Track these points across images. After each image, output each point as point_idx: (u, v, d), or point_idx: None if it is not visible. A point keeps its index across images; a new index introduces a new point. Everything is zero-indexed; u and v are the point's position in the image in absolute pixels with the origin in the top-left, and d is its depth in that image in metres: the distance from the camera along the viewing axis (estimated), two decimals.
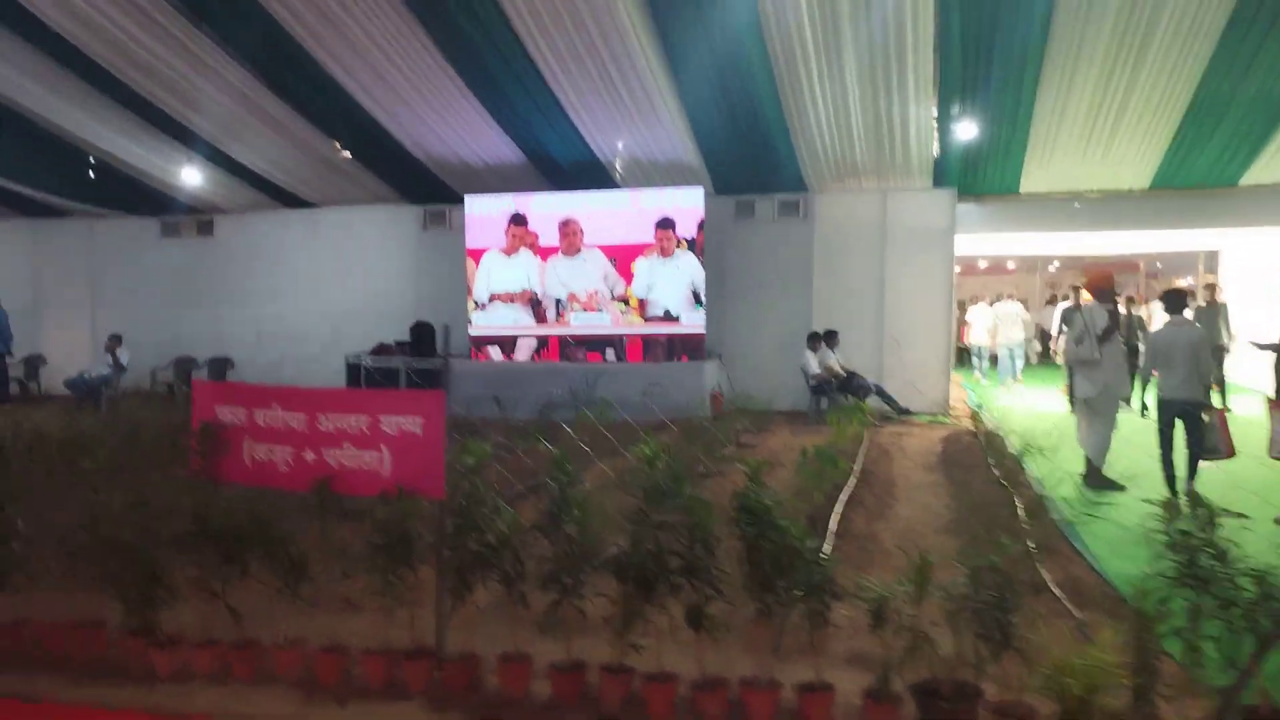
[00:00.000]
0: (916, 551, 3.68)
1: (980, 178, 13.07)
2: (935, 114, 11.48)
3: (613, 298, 13.53)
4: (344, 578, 4.48)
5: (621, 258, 13.47)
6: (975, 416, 10.40)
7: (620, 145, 12.80)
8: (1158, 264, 26.71)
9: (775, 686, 3.62)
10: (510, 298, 13.95)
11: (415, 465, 4.24)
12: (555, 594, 3.83)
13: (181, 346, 15.46)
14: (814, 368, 12.18)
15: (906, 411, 12.41)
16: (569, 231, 13.63)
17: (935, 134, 11.95)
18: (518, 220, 13.88)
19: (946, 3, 9.50)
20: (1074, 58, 10.11)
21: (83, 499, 4.74)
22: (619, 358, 13.46)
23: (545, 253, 13.77)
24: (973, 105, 11.22)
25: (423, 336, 14.05)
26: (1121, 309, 10.42)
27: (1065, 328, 11.82)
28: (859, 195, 13.54)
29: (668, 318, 13.31)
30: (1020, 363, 16.24)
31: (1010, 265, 28.52)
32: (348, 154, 13.75)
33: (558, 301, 13.75)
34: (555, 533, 3.89)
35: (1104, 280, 8.11)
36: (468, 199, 14.02)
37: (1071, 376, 8.25)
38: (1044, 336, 18.78)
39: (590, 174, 13.63)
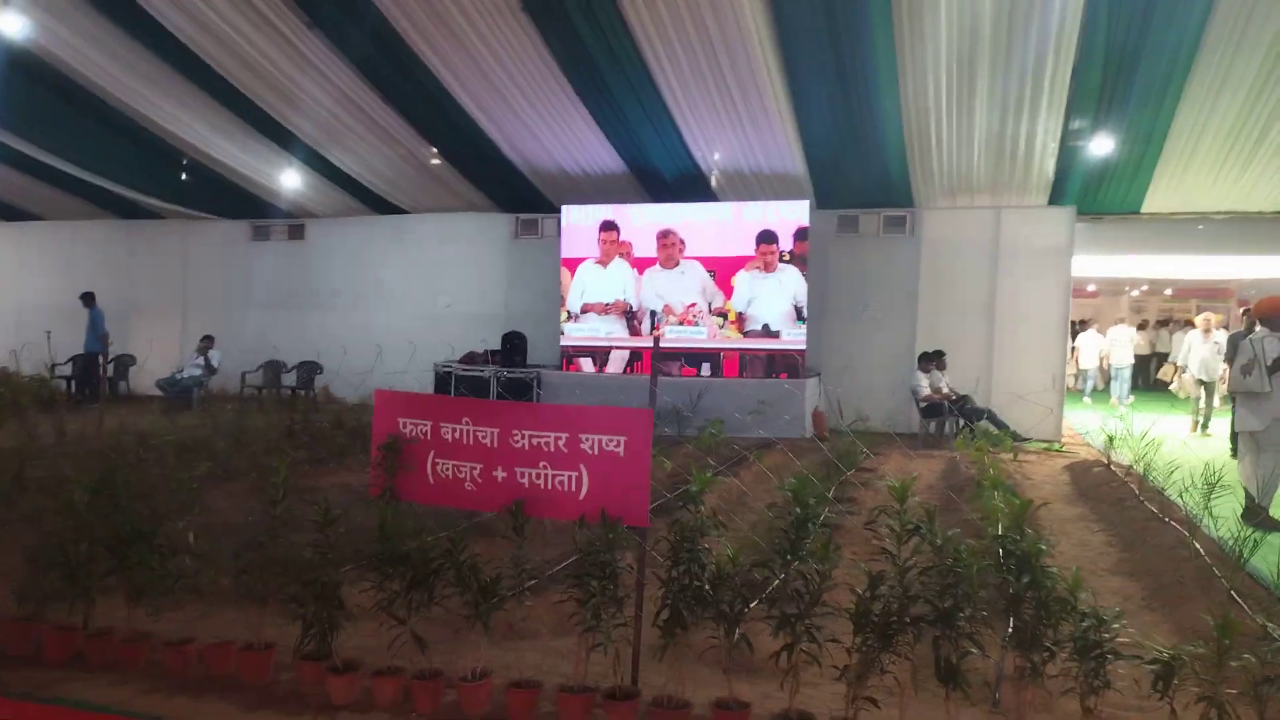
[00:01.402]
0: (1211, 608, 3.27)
1: (1100, 196, 12.55)
2: (1063, 130, 11.00)
3: (710, 312, 13.19)
4: (531, 607, 4.16)
5: (721, 271, 13.14)
6: (1108, 444, 9.84)
7: (726, 155, 12.51)
8: (1251, 291, 25.74)
9: None
10: (604, 309, 13.67)
11: (616, 489, 3.92)
12: (785, 638, 3.47)
13: (269, 350, 15.40)
14: (924, 389, 11.72)
15: (1019, 438, 11.88)
16: (668, 243, 13.32)
17: (1059, 151, 11.47)
18: (606, 226, 13.60)
19: (1094, 19, 9.06)
20: (1223, 75, 9.61)
21: (236, 510, 4.49)
22: (715, 373, 13.11)
23: (642, 264, 13.47)
24: (1106, 122, 10.75)
25: (515, 346, 13.83)
26: None
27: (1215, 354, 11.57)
28: (970, 212, 13.07)
29: (767, 333, 12.94)
30: (1128, 385, 15.91)
31: (1091, 288, 27.78)
32: (443, 160, 13.62)
33: (653, 313, 13.44)
34: (784, 569, 3.54)
35: (1276, 308, 7.58)
36: (565, 209, 13.79)
37: (1234, 408, 7.71)
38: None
39: (689, 186, 13.36)
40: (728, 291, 13.10)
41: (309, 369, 14.82)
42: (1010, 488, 6.11)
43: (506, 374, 13.54)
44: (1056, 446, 11.74)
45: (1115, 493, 8.60)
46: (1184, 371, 13.50)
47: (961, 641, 3.28)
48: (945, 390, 12.00)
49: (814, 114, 11.40)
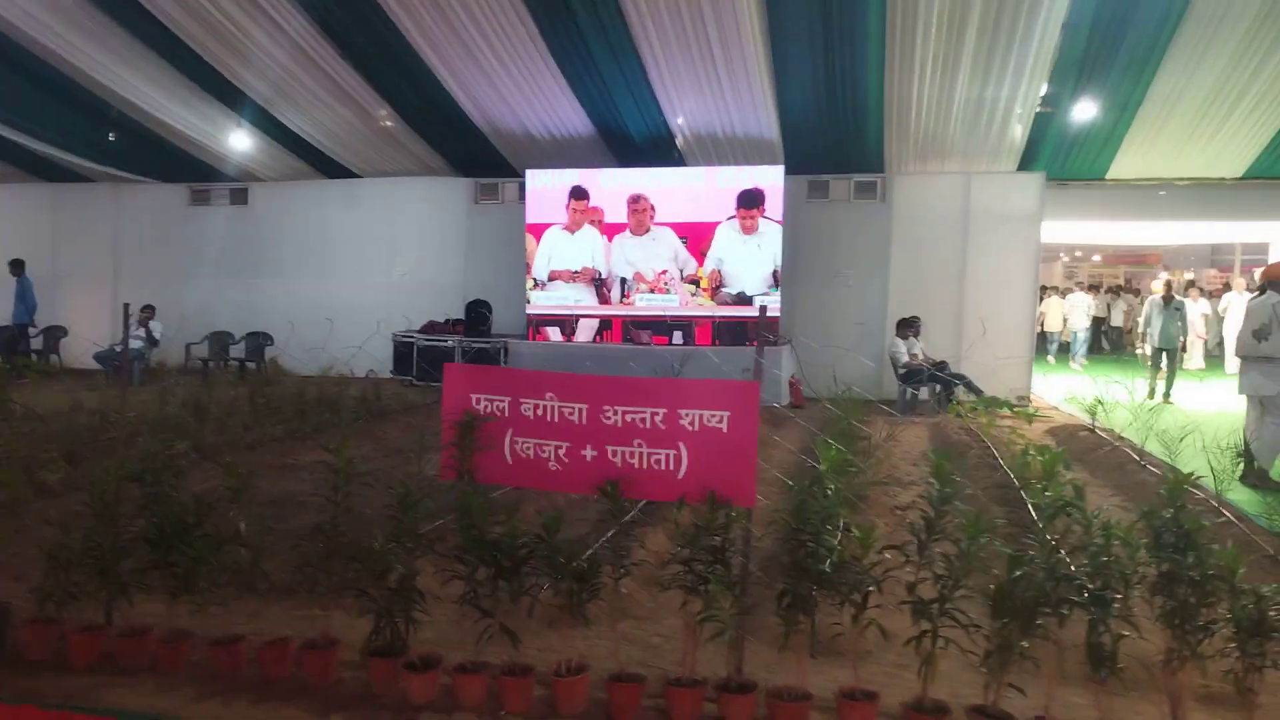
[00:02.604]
0: None
1: (1069, 163, 12.65)
2: (1042, 97, 11.00)
3: (683, 279, 12.95)
4: (627, 595, 3.88)
5: (693, 237, 12.89)
6: (1094, 409, 9.93)
7: (700, 117, 12.21)
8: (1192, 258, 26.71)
9: None
10: (572, 276, 13.32)
11: (719, 467, 3.67)
12: (923, 624, 3.27)
13: (213, 321, 14.64)
14: (904, 356, 11.69)
15: (994, 403, 11.94)
16: (639, 208, 13.01)
17: (1034, 117, 11.47)
18: (578, 194, 13.21)
19: None
20: (1207, 40, 9.68)
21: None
22: (687, 341, 12.90)
23: (611, 230, 13.14)
24: (1085, 88, 10.76)
25: (479, 315, 13.40)
26: None
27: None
28: (941, 177, 13.05)
29: (740, 300, 12.76)
30: (1084, 349, 16.57)
31: None
32: (401, 120, 13.01)
33: (623, 281, 13.14)
34: (921, 553, 3.34)
35: None
36: (529, 173, 13.34)
37: (1242, 370, 7.75)
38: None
39: (658, 150, 13.04)
40: (700, 258, 12.86)
41: (258, 340, 14.14)
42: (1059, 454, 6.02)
43: (472, 344, 13.11)
44: (1031, 411, 11.84)
45: (1112, 458, 8.66)
46: (1143, 341, 13.71)
47: (1116, 623, 3.13)
48: (921, 356, 12.00)
49: (794, 76, 11.16)
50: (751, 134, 12.48)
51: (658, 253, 13.02)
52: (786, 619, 3.44)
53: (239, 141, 13.54)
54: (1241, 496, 7.20)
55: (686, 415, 3.70)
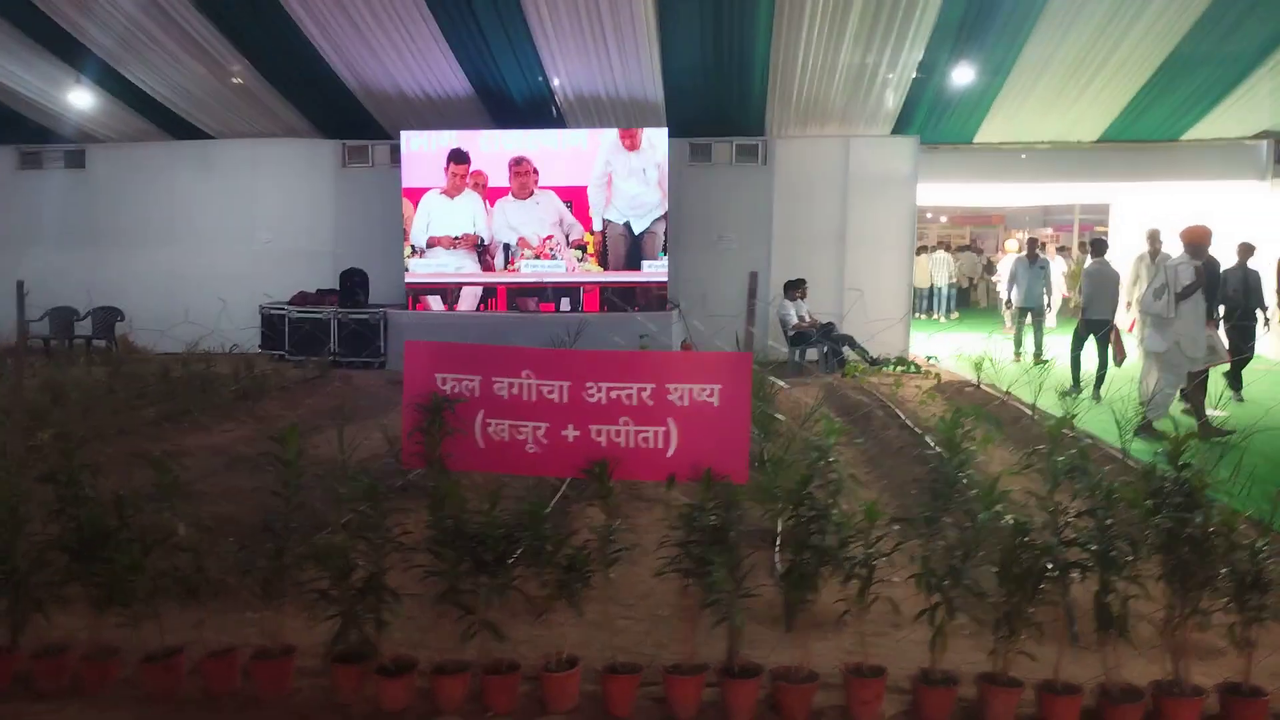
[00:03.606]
0: None
1: (939, 127, 12.99)
2: (920, 61, 11.22)
3: (569, 244, 12.67)
4: (615, 582, 3.67)
5: (577, 201, 12.60)
6: (978, 366, 10.31)
7: (584, 78, 11.91)
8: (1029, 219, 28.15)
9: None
10: (453, 242, 12.81)
11: (710, 443, 3.52)
12: (935, 597, 3.22)
13: (51, 296, 13.35)
14: (794, 318, 11.81)
15: (876, 361, 12.26)
16: (521, 171, 12.60)
17: (911, 82, 11.71)
18: (458, 157, 12.69)
19: None
20: (1076, 9, 10.04)
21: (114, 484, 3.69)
22: (575, 309, 12.65)
23: (493, 195, 12.69)
24: (960, 54, 11.02)
25: (355, 285, 12.73)
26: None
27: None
28: (820, 141, 13.20)
29: (629, 265, 12.59)
30: (951, 303, 17.44)
31: None
32: (260, 77, 12.14)
33: (506, 247, 12.74)
34: (931, 523, 3.28)
35: (1200, 236, 7.96)
36: (405, 135, 12.70)
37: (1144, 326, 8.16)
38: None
39: (538, 112, 12.66)
40: (586, 223, 12.60)
41: (106, 316, 13.02)
42: (983, 411, 6.15)
43: (349, 315, 12.46)
44: (912, 368, 12.20)
45: (1004, 412, 8.97)
46: (1008, 304, 14.11)
47: (1124, 585, 3.16)
48: (808, 319, 12.17)
49: (681, 36, 11.00)
50: (635, 95, 12.27)
51: (541, 217, 12.67)
52: (793, 597, 3.33)
53: (76, 99, 12.36)
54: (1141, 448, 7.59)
55: (676, 390, 3.52)
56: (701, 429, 3.52)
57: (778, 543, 4.40)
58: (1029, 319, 13.39)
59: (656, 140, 12.35)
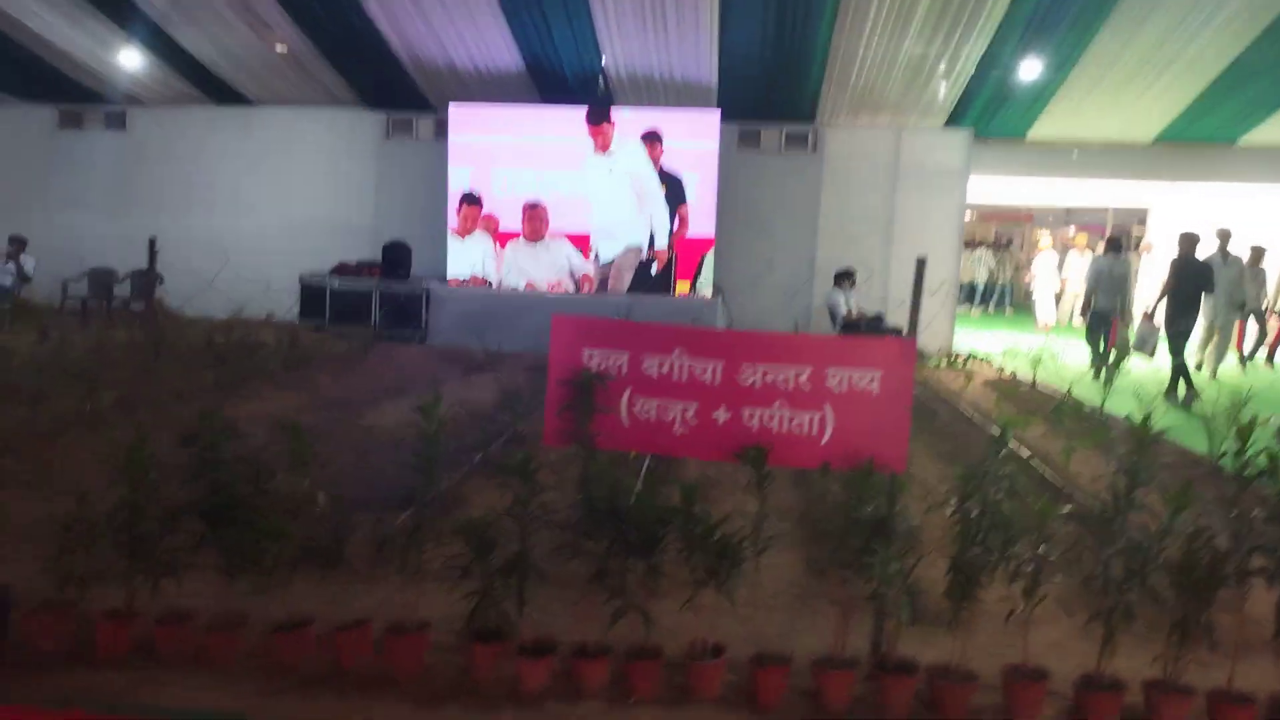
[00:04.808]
0: None
1: (993, 120, 12.81)
2: (984, 54, 11.05)
3: (575, 288, 12.56)
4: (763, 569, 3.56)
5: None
6: (1034, 364, 10.23)
7: (639, 55, 11.74)
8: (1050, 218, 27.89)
9: None
10: (460, 284, 12.68)
11: (868, 431, 3.40)
12: (1108, 600, 3.11)
13: (89, 257, 13.22)
14: (844, 308, 11.66)
15: (922, 356, 12.13)
16: (534, 216, 12.48)
17: (972, 74, 11.54)
18: (470, 199, 12.58)
19: None
20: (1153, 3, 9.87)
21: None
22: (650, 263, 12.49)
23: (504, 238, 12.64)
24: (1027, 47, 10.85)
25: (397, 258, 12.59)
26: None
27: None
28: (871, 131, 13.03)
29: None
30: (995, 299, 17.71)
31: None
32: (307, 41, 11.95)
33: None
34: (1107, 526, 3.17)
35: None
36: (453, 107, 12.52)
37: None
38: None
39: (589, 88, 12.47)
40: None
41: (146, 280, 12.84)
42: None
43: (390, 288, 12.32)
44: (956, 365, 12.07)
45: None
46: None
47: None
48: (855, 309, 12.02)
49: (742, 16, 10.81)
50: (690, 76, 12.11)
51: (551, 262, 12.55)
52: (959, 594, 3.21)
53: (121, 59, 12.19)
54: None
55: (835, 375, 3.40)
56: (860, 416, 3.40)
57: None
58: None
59: (700, 127, 12.16)
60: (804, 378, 3.40)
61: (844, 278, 11.76)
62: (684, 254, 12.44)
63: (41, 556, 3.48)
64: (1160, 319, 10.49)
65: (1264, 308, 12.69)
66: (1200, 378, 11.10)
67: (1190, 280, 10.30)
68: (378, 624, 3.50)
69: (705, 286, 12.43)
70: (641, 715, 3.21)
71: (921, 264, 3.55)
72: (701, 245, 12.43)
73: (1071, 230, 29.70)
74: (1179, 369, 10.11)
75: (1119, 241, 12.03)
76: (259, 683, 3.36)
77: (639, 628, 3.30)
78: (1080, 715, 3.19)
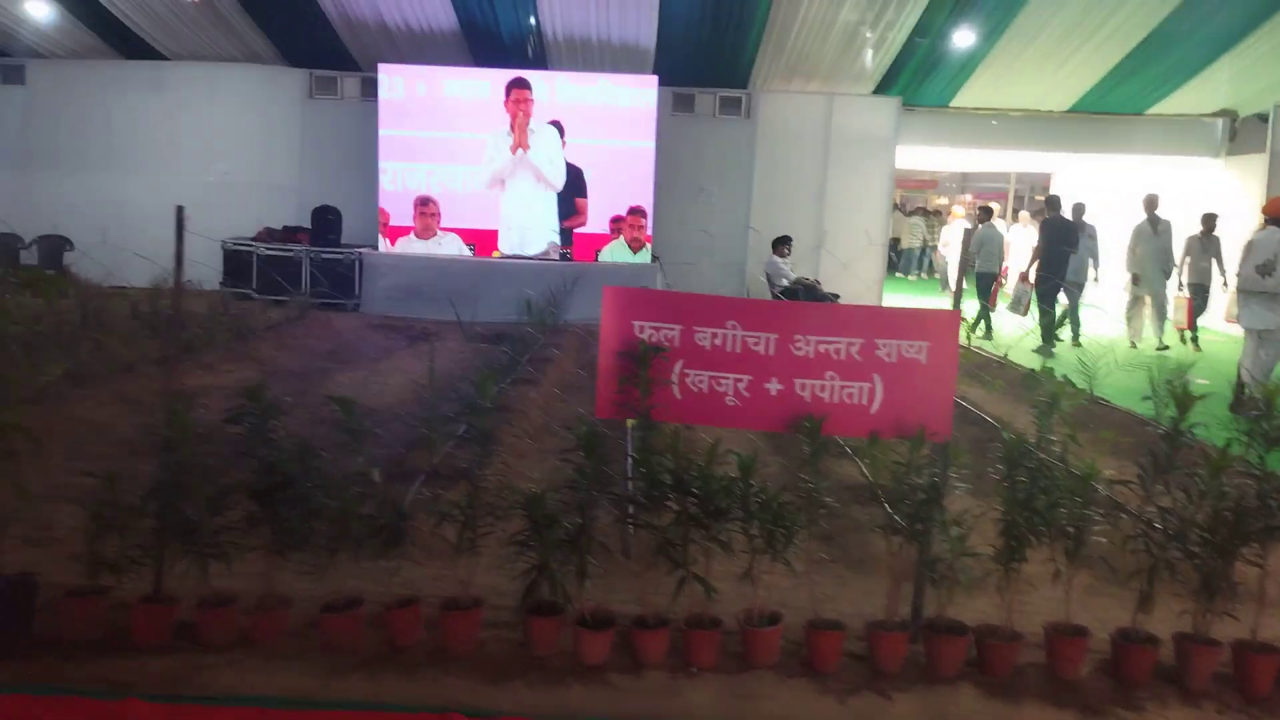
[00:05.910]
0: None
1: (920, 89, 13.12)
2: (917, 21, 11.28)
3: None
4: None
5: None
6: (980, 332, 10.65)
7: (578, 17, 11.60)
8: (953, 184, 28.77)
9: None
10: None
11: (915, 401, 3.51)
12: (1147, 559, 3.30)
13: None
14: (785, 275, 11.81)
15: None
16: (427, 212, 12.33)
17: (904, 42, 11.78)
18: (423, 201, 12.29)
19: None
20: None
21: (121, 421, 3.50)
22: (564, 258, 12.37)
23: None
24: (959, 16, 11.13)
25: (328, 222, 12.20)
26: None
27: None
28: (804, 97, 13.19)
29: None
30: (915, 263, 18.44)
31: None
32: None
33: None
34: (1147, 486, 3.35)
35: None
36: (382, 69, 12.10)
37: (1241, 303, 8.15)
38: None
39: (523, 52, 12.26)
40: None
41: (54, 245, 12.18)
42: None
43: (321, 255, 11.95)
44: None
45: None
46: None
47: None
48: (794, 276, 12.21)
49: None
50: (628, 40, 12.03)
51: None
52: (1009, 556, 3.37)
53: (19, 8, 11.42)
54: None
55: (884, 346, 3.49)
56: (907, 386, 3.50)
57: None
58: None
59: (644, 124, 12.11)
60: (855, 349, 3.49)
61: (783, 243, 11.91)
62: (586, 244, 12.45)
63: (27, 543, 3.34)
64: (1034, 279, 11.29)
65: (1224, 283, 11.09)
66: (1184, 350, 11.19)
67: (1056, 241, 11.19)
68: (432, 601, 3.47)
69: (644, 255, 12.46)
70: (703, 684, 3.28)
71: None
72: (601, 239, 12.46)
73: (968, 198, 30.83)
74: (1047, 323, 10.29)
75: (989, 210, 13.84)
76: (315, 662, 3.29)
77: (696, 598, 3.36)
78: (1117, 668, 3.39)
